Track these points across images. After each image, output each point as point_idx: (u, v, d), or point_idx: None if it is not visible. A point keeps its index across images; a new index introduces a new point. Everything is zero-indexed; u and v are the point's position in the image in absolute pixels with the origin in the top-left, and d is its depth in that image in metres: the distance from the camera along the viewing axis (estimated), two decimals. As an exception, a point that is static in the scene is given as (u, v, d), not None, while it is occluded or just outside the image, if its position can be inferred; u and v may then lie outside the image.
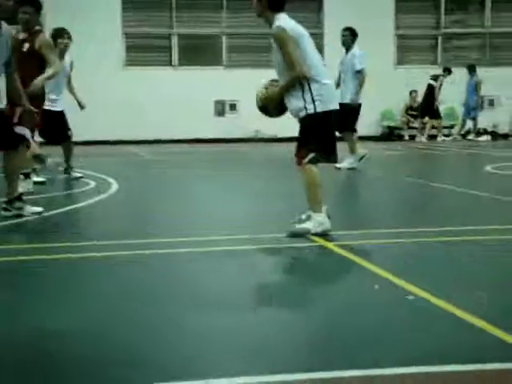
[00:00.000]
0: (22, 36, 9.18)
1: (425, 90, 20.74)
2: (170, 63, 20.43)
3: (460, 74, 20.50)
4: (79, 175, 10.98)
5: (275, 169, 13.19)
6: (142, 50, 20.36)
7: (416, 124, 21.32)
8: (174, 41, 20.45)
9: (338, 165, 11.65)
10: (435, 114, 20.70)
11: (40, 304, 4.45)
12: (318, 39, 20.34)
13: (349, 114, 11.94)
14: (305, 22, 20.68)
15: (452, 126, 22.12)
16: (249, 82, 19.70)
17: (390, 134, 21.61)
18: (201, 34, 20.66)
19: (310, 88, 6.26)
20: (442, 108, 21.17)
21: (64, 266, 5.58)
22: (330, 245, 5.99)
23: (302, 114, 6.32)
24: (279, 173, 12.16)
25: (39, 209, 7.61)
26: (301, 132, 6.44)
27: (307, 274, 5.31)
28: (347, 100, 12.18)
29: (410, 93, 21.41)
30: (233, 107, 20.37)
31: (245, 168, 13.87)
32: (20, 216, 7.39)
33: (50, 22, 18.52)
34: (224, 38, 20.75)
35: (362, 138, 20.46)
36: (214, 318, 4.08)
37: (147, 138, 19.20)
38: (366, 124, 21.18)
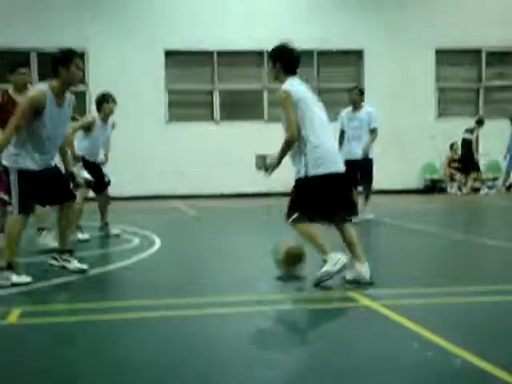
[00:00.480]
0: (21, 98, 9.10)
1: (461, 146, 20.63)
2: (211, 118, 20.57)
3: (502, 127, 20.34)
4: (117, 232, 10.99)
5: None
6: (185, 106, 20.55)
7: (458, 177, 21.15)
8: (216, 96, 20.63)
9: (366, 217, 12.24)
10: (475, 167, 20.53)
11: (78, 369, 4.42)
12: (358, 93, 20.40)
13: (369, 167, 12.79)
14: (344, 75, 21.06)
15: (496, 179, 21.89)
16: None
17: (433, 187, 21.48)
18: (242, 89, 20.82)
19: (305, 151, 6.63)
20: (484, 161, 21.05)
21: (105, 327, 5.54)
22: (374, 304, 5.89)
23: (296, 176, 6.76)
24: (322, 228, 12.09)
25: (84, 266, 7.64)
26: (291, 192, 6.84)
27: (351, 336, 5.17)
28: (363, 155, 12.56)
29: (451, 145, 21.30)
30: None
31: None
32: (64, 268, 7.49)
33: (93, 78, 18.90)
34: (265, 93, 20.86)
35: (405, 192, 20.50)
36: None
37: (190, 193, 19.26)
38: (408, 177, 21.18)
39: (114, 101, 10.81)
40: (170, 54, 20.21)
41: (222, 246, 10.24)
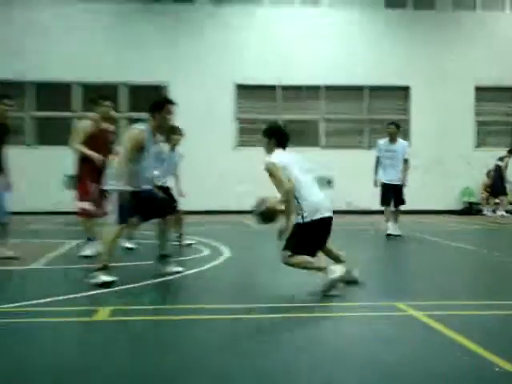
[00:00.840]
0: (105, 126, 9.49)
1: (493, 171, 20.28)
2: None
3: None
4: (191, 242, 11.05)
5: (367, 240, 13.02)
6: (252, 133, 20.63)
7: (490, 201, 20.79)
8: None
9: (394, 233, 12.63)
10: (503, 191, 20.14)
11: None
12: (405, 125, 20.34)
13: (402, 192, 13.06)
14: (393, 109, 20.92)
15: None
16: (342, 161, 19.82)
17: (470, 209, 21.14)
18: (302, 119, 20.84)
19: (300, 204, 6.90)
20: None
21: (182, 326, 5.58)
22: (419, 315, 5.81)
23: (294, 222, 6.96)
24: (370, 243, 12.03)
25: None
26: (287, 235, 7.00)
27: (395, 342, 5.08)
28: (399, 180, 12.99)
29: (488, 172, 20.95)
30: (328, 182, 20.37)
31: (341, 237, 13.69)
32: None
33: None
34: (322, 123, 20.86)
35: (446, 212, 20.23)
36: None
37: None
38: (448, 199, 20.91)
39: (180, 133, 10.93)
40: (240, 88, 20.35)
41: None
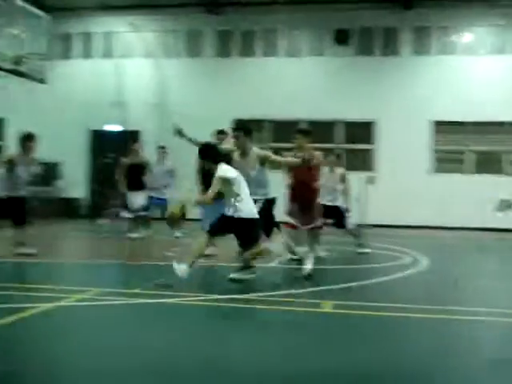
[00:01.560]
0: (299, 155, 8.98)
1: None
2: (465, 171, 19.72)
3: None
4: (367, 251, 10.65)
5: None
6: (445, 162, 19.95)
7: None
8: (468, 155, 19.78)
9: None
10: None
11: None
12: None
13: None
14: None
15: None
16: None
17: None
18: (488, 150, 19.78)
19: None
20: None
21: (380, 321, 5.52)
22: None
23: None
24: None
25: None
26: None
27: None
28: None
29: None
30: (509, 205, 19.10)
31: None
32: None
33: (381, 139, 18.97)
34: (505, 154, 19.68)
35: None
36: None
37: (449, 225, 18.48)
38: None
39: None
40: (437, 124, 19.73)
41: (478, 268, 9.73)
